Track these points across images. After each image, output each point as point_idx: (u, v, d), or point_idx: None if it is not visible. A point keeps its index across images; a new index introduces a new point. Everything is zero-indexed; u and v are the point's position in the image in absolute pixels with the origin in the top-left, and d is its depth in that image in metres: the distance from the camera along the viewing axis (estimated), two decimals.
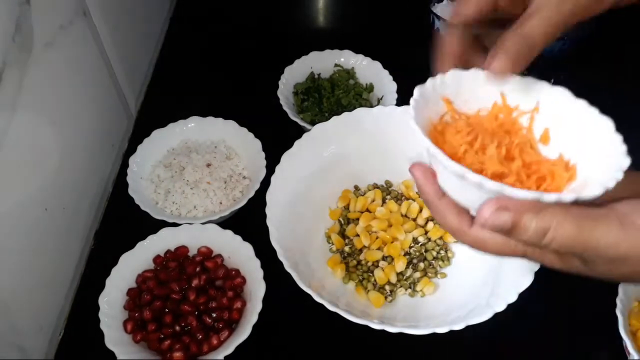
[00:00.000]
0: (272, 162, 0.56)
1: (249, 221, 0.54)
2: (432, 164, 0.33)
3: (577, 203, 0.29)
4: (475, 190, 0.30)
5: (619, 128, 0.34)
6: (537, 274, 0.45)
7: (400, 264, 0.54)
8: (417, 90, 0.34)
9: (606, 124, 0.33)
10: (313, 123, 0.63)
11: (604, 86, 0.66)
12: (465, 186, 0.30)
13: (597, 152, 0.32)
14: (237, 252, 0.54)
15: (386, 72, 0.71)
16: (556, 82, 0.38)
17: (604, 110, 0.38)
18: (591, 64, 0.75)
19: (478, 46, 0.38)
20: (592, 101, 0.36)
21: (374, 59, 0.73)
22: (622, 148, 0.31)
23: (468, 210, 0.33)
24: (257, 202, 0.54)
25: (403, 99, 0.66)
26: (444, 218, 0.34)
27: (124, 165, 0.62)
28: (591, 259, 0.30)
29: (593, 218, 0.29)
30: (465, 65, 0.36)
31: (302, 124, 0.65)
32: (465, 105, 0.36)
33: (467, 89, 0.36)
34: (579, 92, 0.37)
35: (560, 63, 0.72)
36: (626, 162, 0.30)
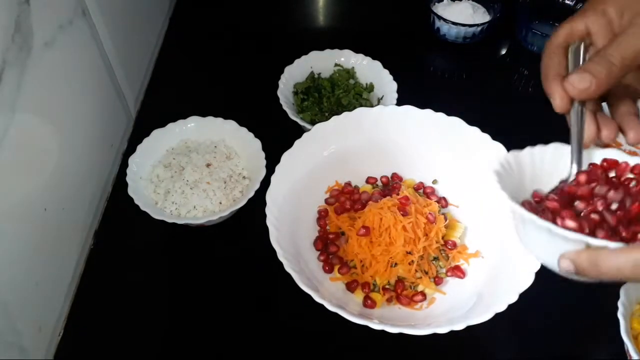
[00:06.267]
0: (272, 162, 0.56)
1: (249, 221, 0.54)
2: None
3: None
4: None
5: None
6: (537, 275, 0.45)
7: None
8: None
9: None
10: (313, 123, 0.63)
11: None
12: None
13: None
14: None
15: (386, 72, 0.71)
16: None
17: None
18: None
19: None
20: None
21: (374, 58, 0.73)
22: None
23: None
24: (257, 202, 0.54)
25: (403, 98, 0.66)
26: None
27: (124, 165, 0.62)
28: None
29: None
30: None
31: (302, 123, 0.65)
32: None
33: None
34: None
35: None
36: None
